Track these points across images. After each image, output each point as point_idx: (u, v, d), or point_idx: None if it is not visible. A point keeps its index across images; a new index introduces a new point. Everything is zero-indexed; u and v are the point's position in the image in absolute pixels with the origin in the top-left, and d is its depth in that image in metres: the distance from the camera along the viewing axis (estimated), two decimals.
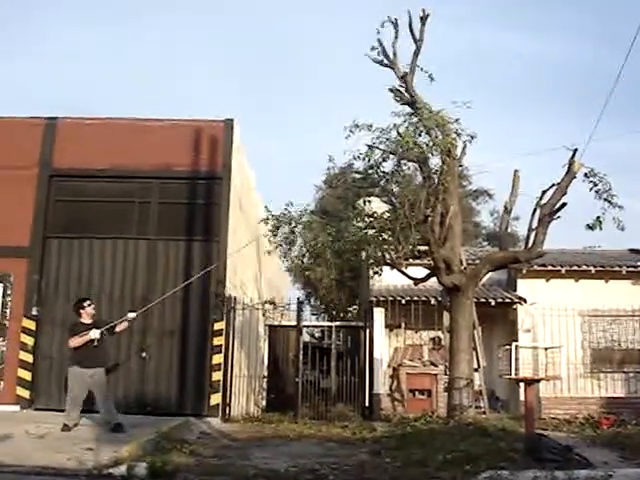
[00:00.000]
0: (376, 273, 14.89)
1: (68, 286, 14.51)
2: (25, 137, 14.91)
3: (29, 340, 13.86)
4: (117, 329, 11.63)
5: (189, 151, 14.82)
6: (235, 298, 14.91)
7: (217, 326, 14.12)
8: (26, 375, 13.75)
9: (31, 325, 13.94)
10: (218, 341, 14.09)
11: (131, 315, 11.85)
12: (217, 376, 13.96)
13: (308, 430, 13.03)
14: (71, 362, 11.13)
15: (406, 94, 13.30)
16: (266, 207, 14.99)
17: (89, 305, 11.39)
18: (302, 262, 14.67)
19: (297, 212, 14.22)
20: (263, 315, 18.63)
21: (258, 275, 19.42)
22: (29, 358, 13.95)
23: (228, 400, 14.42)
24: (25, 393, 13.68)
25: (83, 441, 9.99)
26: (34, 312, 14.15)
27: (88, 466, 8.46)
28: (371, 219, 13.43)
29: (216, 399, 13.89)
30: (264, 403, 17.99)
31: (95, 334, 10.99)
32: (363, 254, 14.19)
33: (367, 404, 16.52)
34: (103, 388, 11.27)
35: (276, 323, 19.04)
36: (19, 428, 10.87)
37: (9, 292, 14.29)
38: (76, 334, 11.00)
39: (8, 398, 13.60)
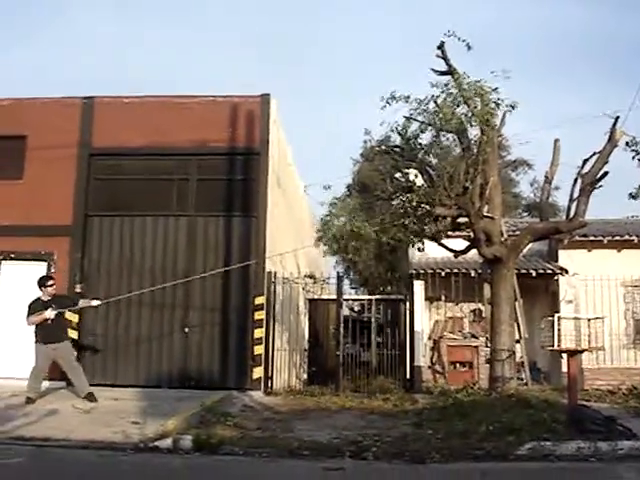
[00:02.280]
0: (419, 249, 14.82)
1: (110, 263, 14.72)
2: (63, 117, 15.06)
3: (74, 317, 14.09)
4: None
5: (226, 127, 14.85)
6: (275, 273, 14.98)
7: (258, 300, 14.21)
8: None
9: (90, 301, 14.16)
10: (259, 315, 14.18)
11: (95, 302, 12.45)
12: (259, 350, 14.08)
13: (350, 403, 13.09)
14: (35, 338, 11.59)
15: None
16: (305, 190, 14.95)
17: (51, 285, 11.88)
18: (339, 244, 14.57)
19: (333, 197, 14.25)
20: (303, 289, 18.70)
21: (297, 250, 19.46)
22: (74, 335, 14.19)
23: (270, 373, 14.55)
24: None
25: (129, 415, 10.19)
26: (77, 289, 14.38)
27: (134, 439, 8.64)
28: (409, 192, 13.35)
29: (258, 373, 14.02)
30: (305, 376, 18.11)
31: (50, 314, 11.49)
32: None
33: (408, 377, 16.53)
34: (68, 360, 11.78)
35: (316, 297, 19.09)
36: (65, 403, 11.12)
37: (53, 270, 14.51)
38: (32, 313, 11.47)
39: (55, 374, 13.88)
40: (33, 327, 11.58)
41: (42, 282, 11.86)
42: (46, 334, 11.43)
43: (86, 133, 15.03)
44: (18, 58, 75.56)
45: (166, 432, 8.88)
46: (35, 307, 11.54)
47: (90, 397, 11.39)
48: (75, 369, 11.78)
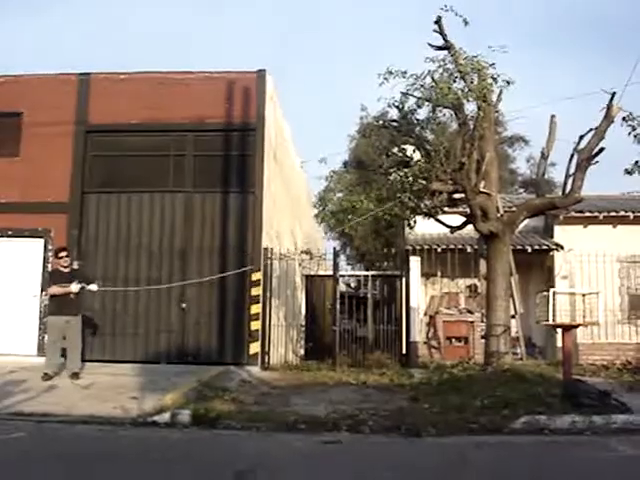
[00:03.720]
0: (409, 227, 14.85)
1: (107, 240, 14.74)
2: (59, 93, 15.00)
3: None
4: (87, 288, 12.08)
5: (222, 103, 14.81)
6: (272, 249, 15.02)
7: (255, 277, 14.26)
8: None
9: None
10: (256, 291, 14.24)
11: (93, 287, 12.20)
12: (256, 325, 14.16)
13: (346, 377, 13.19)
14: (49, 312, 11.66)
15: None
16: (302, 166, 14.94)
17: (63, 256, 11.82)
18: (336, 219, 14.58)
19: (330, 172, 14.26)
20: (300, 265, 18.76)
21: (294, 226, 19.50)
22: None
23: (267, 349, 14.64)
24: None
25: (127, 390, 10.27)
26: (75, 266, 14.39)
27: (133, 414, 8.72)
28: (406, 168, 13.35)
29: (255, 348, 14.10)
30: (302, 351, 18.23)
31: (76, 288, 11.50)
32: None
33: (404, 352, 16.65)
34: (75, 335, 11.73)
35: (312, 273, 19.16)
36: (64, 379, 11.18)
37: (50, 247, 14.54)
38: (56, 283, 11.43)
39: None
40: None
41: (55, 253, 11.96)
42: (63, 306, 11.42)
43: (82, 110, 14.98)
44: (18, 30, 75.02)
45: (164, 407, 8.96)
46: (56, 278, 11.53)
47: (74, 376, 11.39)
48: (76, 347, 11.79)
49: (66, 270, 11.74)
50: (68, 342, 11.69)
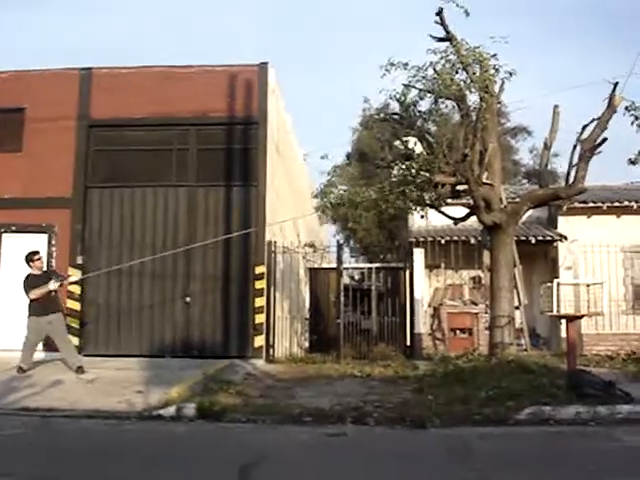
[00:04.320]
0: (422, 217, 14.81)
1: (110, 235, 14.77)
2: (61, 88, 15.00)
3: (75, 288, 14.16)
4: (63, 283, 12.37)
5: (225, 96, 14.80)
6: (275, 242, 15.03)
7: (258, 270, 14.27)
8: (74, 322, 14.06)
9: (77, 274, 14.22)
10: (260, 284, 14.25)
11: (73, 278, 13.05)
12: (260, 318, 14.18)
13: (351, 370, 13.20)
14: (30, 312, 11.59)
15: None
16: (305, 159, 14.91)
17: (38, 259, 11.92)
18: (338, 212, 14.55)
19: (332, 166, 14.27)
20: (303, 258, 18.77)
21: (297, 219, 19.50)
22: (76, 306, 14.29)
23: (271, 342, 14.66)
24: (74, 340, 14.06)
25: (132, 384, 10.31)
26: (79, 261, 14.45)
27: (138, 408, 8.75)
28: (409, 160, 13.32)
29: (260, 341, 14.13)
30: (307, 344, 18.25)
31: (54, 285, 11.58)
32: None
33: (408, 344, 16.68)
34: (61, 333, 11.81)
35: (316, 266, 19.17)
36: (70, 374, 11.22)
37: (54, 242, 14.59)
38: (35, 286, 11.47)
39: (50, 346, 14.00)
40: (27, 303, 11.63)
41: (30, 257, 11.87)
42: (43, 306, 11.46)
43: (85, 104, 14.98)
44: (21, 24, 74.98)
45: (170, 400, 8.99)
46: (33, 282, 11.56)
47: (79, 370, 11.41)
48: (67, 342, 11.85)
49: (39, 272, 11.79)
50: (57, 340, 11.74)
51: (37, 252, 12.14)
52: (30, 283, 11.56)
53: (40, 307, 11.46)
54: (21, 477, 5.68)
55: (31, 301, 11.56)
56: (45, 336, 11.93)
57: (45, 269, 12.29)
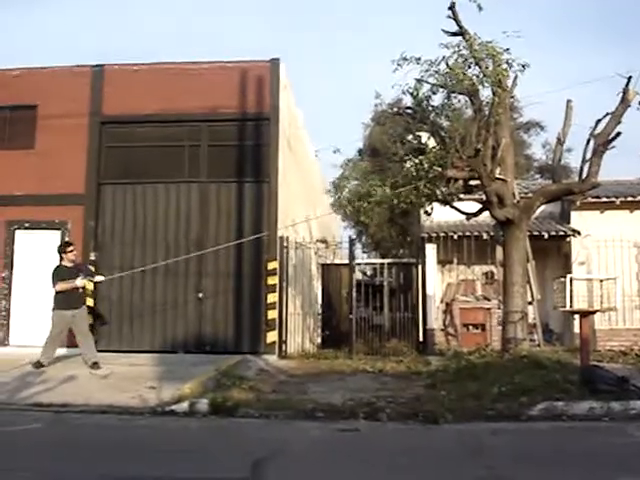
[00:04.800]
0: (426, 213, 14.75)
1: (123, 231, 14.83)
2: (73, 85, 15.05)
3: (89, 284, 14.20)
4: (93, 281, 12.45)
5: (236, 93, 14.81)
6: (287, 238, 15.04)
7: (271, 265, 14.29)
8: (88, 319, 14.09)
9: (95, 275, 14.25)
10: (272, 280, 14.27)
11: (99, 278, 12.76)
12: (272, 314, 14.20)
13: (363, 365, 13.20)
14: (55, 306, 11.50)
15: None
16: (316, 155, 14.89)
17: (71, 251, 11.80)
18: (352, 207, 14.51)
19: (345, 160, 14.26)
20: (315, 254, 18.77)
21: (309, 214, 19.50)
22: (89, 302, 14.33)
23: (284, 337, 14.68)
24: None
25: (145, 380, 10.34)
26: (92, 257, 14.51)
27: (151, 404, 8.78)
28: (421, 155, 13.28)
29: (272, 337, 14.15)
30: (319, 340, 18.28)
31: (81, 282, 11.52)
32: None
33: (421, 339, 16.67)
34: (83, 327, 11.72)
35: (328, 262, 19.18)
36: (83, 370, 11.24)
37: (67, 239, 14.63)
38: (63, 279, 11.40)
39: (70, 341, 14.05)
40: (51, 294, 11.62)
41: (62, 248, 11.82)
42: (69, 300, 11.40)
43: (97, 101, 15.04)
44: (26, 22, 75.27)
45: (182, 396, 9.02)
46: (61, 274, 11.50)
47: (94, 366, 11.40)
48: (87, 337, 11.82)
49: (70, 265, 11.72)
50: (78, 334, 11.68)
51: (71, 243, 12.09)
52: (59, 274, 11.48)
53: (65, 301, 11.37)
54: (35, 472, 5.70)
55: (56, 293, 11.52)
56: (68, 330, 11.86)
57: (76, 262, 12.18)
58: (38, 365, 11.32)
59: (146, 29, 78.85)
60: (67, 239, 13.25)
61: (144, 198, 14.88)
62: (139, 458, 6.27)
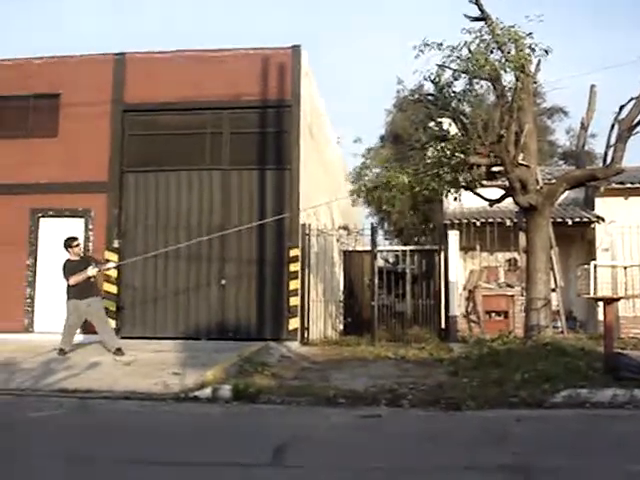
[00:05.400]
0: (455, 199, 14.66)
1: (146, 218, 14.92)
2: (96, 74, 15.15)
3: (113, 272, 14.32)
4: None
5: (258, 80, 14.81)
6: (309, 225, 15.05)
7: (293, 252, 14.31)
8: (111, 306, 14.23)
9: (113, 257, 14.37)
10: (294, 267, 14.30)
11: (111, 264, 13.35)
12: (294, 301, 14.23)
13: (385, 352, 13.20)
14: (69, 296, 11.68)
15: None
16: (338, 141, 14.80)
17: (77, 245, 12.01)
18: (372, 196, 14.43)
19: (366, 149, 14.21)
20: (337, 241, 18.76)
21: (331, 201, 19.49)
22: (113, 289, 14.47)
23: (306, 324, 14.73)
24: (111, 323, 14.24)
25: (169, 366, 10.40)
26: (115, 245, 14.62)
27: (175, 390, 8.83)
28: (443, 142, 13.20)
29: (294, 324, 14.19)
30: (341, 327, 18.30)
31: (93, 272, 11.67)
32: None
33: (443, 326, 16.63)
34: (100, 316, 11.88)
35: (350, 249, 19.17)
36: (107, 356, 11.35)
37: (91, 226, 14.78)
38: (73, 272, 11.56)
39: (94, 328, 14.17)
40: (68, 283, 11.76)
41: (69, 243, 11.96)
42: (82, 290, 11.56)
43: (119, 89, 15.11)
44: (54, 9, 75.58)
45: (205, 382, 9.07)
46: (71, 267, 11.66)
47: (118, 352, 11.54)
48: (105, 325, 11.95)
49: (77, 258, 11.87)
50: (96, 323, 11.84)
51: (76, 238, 12.26)
52: (69, 269, 11.67)
53: (78, 291, 11.58)
54: (60, 456, 5.77)
55: (70, 286, 11.71)
56: (84, 319, 12.05)
57: (82, 255, 12.38)
58: (61, 352, 11.48)
59: (164, 15, 78.95)
60: (70, 236, 13.32)
61: (167, 186, 14.95)
62: (162, 443, 6.32)
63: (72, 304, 11.65)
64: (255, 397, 8.45)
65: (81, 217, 14.81)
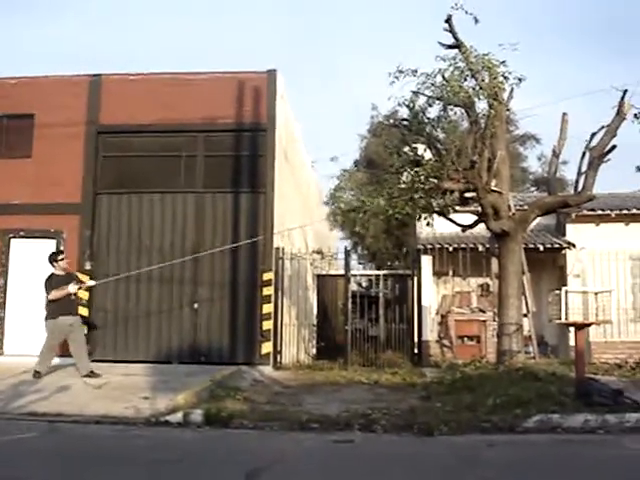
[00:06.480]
0: (427, 224, 14.75)
1: (119, 241, 14.80)
2: (70, 95, 15.06)
3: (84, 294, 14.17)
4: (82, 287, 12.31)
5: (233, 103, 14.83)
6: (283, 248, 15.04)
7: (266, 276, 14.28)
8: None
9: (85, 279, 14.22)
10: (267, 291, 14.25)
11: (91, 282, 13.05)
12: (267, 325, 14.17)
13: (358, 377, 13.19)
14: (49, 315, 11.51)
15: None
16: (313, 166, 14.89)
17: (62, 259, 11.90)
18: (346, 218, 14.48)
19: (341, 170, 14.30)
20: (311, 265, 18.76)
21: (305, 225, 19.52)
22: (85, 312, 14.30)
23: (279, 348, 14.66)
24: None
25: (140, 390, 10.31)
26: (87, 267, 14.48)
27: (145, 414, 8.75)
28: (417, 167, 13.31)
29: (267, 348, 14.12)
30: (314, 351, 18.25)
31: (73, 288, 11.56)
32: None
33: (416, 351, 16.64)
34: (79, 336, 11.78)
35: (324, 272, 19.18)
36: (77, 380, 11.22)
37: (62, 248, 14.60)
38: (56, 287, 11.43)
39: (65, 351, 14.00)
40: (43, 304, 11.62)
41: (54, 257, 11.86)
42: (63, 308, 11.41)
43: (94, 110, 15.05)
44: (20, 32, 75.36)
45: (177, 407, 8.99)
46: (54, 282, 11.52)
47: (92, 374, 11.39)
48: (82, 347, 11.81)
49: (62, 273, 11.76)
50: (73, 343, 11.69)
51: (61, 252, 12.18)
52: (52, 283, 11.51)
53: (59, 309, 11.40)
54: None
55: (49, 302, 11.52)
56: (63, 339, 11.81)
57: (68, 271, 12.16)
58: (37, 374, 11.30)
59: (143, 39, 79.01)
60: (60, 248, 13.27)
61: (140, 208, 14.87)
62: (132, 469, 6.24)
63: (53, 323, 11.45)
64: (227, 422, 8.39)
65: (53, 238, 14.64)
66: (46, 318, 11.54)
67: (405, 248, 27.17)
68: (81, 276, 13.16)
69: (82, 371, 11.52)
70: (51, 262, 11.79)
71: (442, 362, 15.43)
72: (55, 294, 11.37)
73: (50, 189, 14.61)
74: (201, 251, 14.25)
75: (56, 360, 12.34)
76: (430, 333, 17.55)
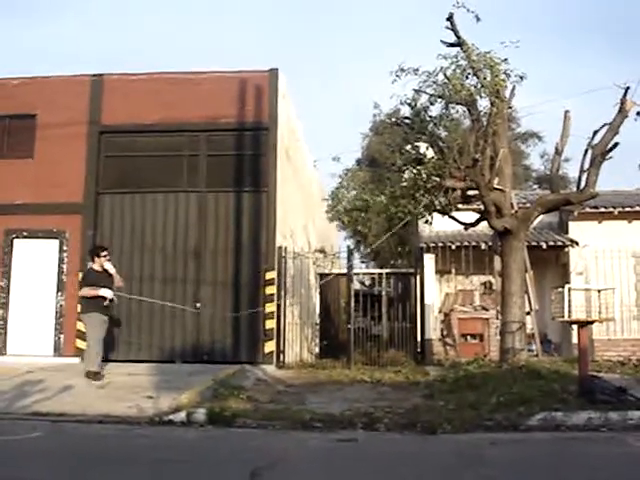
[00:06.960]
0: (426, 222, 14.76)
1: (122, 240, 14.80)
2: (72, 95, 15.08)
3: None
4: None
5: (235, 102, 14.84)
6: (286, 247, 15.04)
7: (269, 275, 14.28)
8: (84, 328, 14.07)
9: (120, 284, 14.16)
10: (270, 290, 14.26)
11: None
12: (270, 324, 14.18)
13: (361, 375, 13.19)
14: (92, 309, 11.34)
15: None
16: (315, 165, 14.91)
17: (104, 256, 11.66)
18: (350, 217, 14.48)
19: (344, 169, 14.30)
20: (314, 264, 18.76)
21: (308, 224, 19.51)
22: None
23: (282, 347, 14.66)
24: (84, 345, 14.05)
25: (143, 390, 10.30)
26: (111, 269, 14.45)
27: (149, 413, 8.74)
28: (419, 165, 13.30)
29: (270, 347, 14.13)
30: (317, 350, 18.24)
31: (109, 294, 11.33)
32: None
33: (419, 349, 16.65)
34: (101, 335, 11.53)
35: (327, 271, 19.16)
36: (80, 379, 11.21)
37: (65, 248, 14.65)
38: (94, 284, 11.28)
39: (68, 350, 14.05)
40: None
41: (96, 251, 11.76)
42: (101, 305, 11.31)
43: (96, 110, 15.06)
44: (20, 32, 75.42)
45: (180, 406, 8.99)
46: (89, 278, 11.44)
47: (95, 375, 11.34)
48: (99, 345, 11.68)
49: (99, 270, 11.56)
50: (92, 339, 11.62)
51: (105, 248, 12.03)
52: (90, 279, 11.40)
53: (98, 305, 11.27)
54: None
55: (81, 298, 11.47)
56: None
57: (106, 268, 11.75)
58: (96, 376, 11.15)
59: (144, 38, 79.04)
60: (100, 244, 12.88)
61: (143, 208, 14.88)
62: (135, 468, 6.25)
63: (94, 317, 11.32)
64: (230, 421, 8.39)
65: (55, 238, 14.67)
66: (81, 312, 11.51)
67: (408, 247, 27.13)
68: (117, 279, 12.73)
69: (92, 368, 11.43)
70: (92, 256, 11.69)
71: (445, 360, 15.43)
72: (88, 292, 11.30)
73: (52, 189, 14.62)
74: (203, 251, 14.31)
75: (59, 360, 12.36)
76: (433, 331, 17.55)
